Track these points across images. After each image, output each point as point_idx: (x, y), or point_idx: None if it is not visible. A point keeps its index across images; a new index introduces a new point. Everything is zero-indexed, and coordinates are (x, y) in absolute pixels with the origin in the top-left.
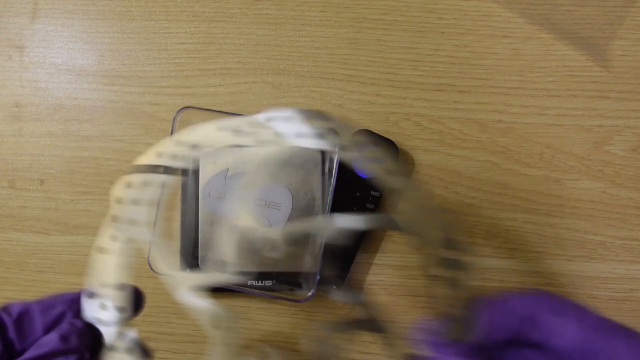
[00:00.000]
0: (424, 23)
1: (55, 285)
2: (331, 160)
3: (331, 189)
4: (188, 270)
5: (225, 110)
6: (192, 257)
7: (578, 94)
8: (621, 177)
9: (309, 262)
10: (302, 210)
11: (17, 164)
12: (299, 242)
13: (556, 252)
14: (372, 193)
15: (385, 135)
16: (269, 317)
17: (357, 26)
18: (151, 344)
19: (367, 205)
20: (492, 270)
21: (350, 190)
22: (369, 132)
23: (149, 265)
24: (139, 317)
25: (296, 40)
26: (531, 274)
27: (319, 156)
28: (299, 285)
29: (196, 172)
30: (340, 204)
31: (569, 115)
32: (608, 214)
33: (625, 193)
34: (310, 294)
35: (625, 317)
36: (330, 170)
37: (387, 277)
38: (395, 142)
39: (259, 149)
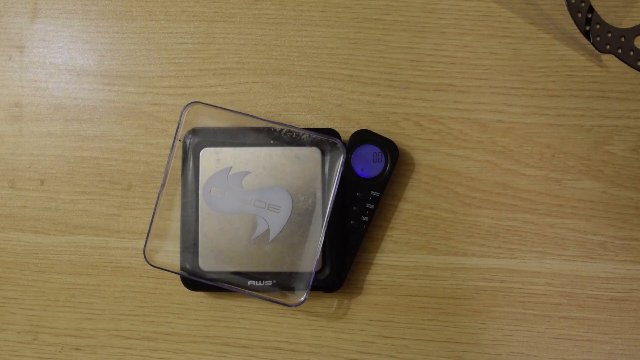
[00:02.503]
0: (424, 23)
1: (55, 285)
2: (332, 163)
3: (332, 195)
4: (188, 266)
5: (231, 109)
6: (192, 254)
7: (578, 94)
8: (621, 177)
9: (306, 263)
10: (302, 214)
11: (17, 164)
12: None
13: (556, 252)
14: (372, 193)
15: (385, 135)
16: (269, 317)
17: (357, 26)
18: (151, 344)
19: (367, 205)
20: (492, 270)
21: (350, 190)
22: (369, 132)
23: (145, 257)
24: (140, 317)
25: (296, 40)
26: (531, 274)
27: (319, 158)
28: (292, 288)
29: (196, 168)
30: (340, 204)
31: (569, 115)
32: (608, 214)
33: (625, 193)
34: (302, 298)
35: (625, 317)
36: (332, 174)
37: (387, 277)
38: (395, 142)
39: (263, 149)
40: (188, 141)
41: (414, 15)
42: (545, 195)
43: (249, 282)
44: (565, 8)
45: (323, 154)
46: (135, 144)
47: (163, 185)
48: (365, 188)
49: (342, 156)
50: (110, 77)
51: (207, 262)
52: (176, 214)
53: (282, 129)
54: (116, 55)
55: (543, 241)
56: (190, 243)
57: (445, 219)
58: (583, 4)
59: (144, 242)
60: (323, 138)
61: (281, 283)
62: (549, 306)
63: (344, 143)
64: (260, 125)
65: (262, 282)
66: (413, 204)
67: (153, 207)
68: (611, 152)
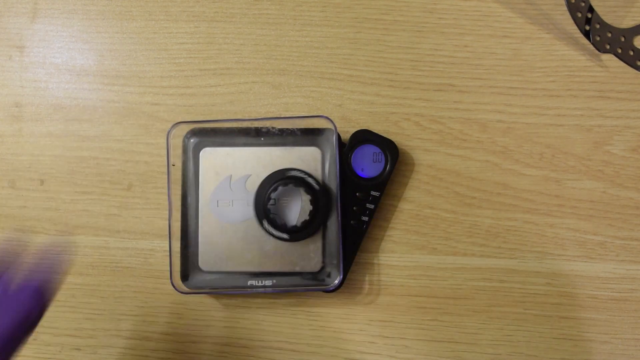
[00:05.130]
0: (424, 23)
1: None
2: (332, 156)
3: (337, 171)
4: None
5: (219, 119)
6: (197, 269)
7: (578, 94)
8: (621, 177)
9: (330, 245)
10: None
11: (17, 164)
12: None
13: (556, 252)
14: (372, 193)
15: (385, 135)
16: (269, 317)
17: (357, 26)
18: (151, 344)
19: (367, 205)
20: (492, 270)
21: (350, 190)
22: (369, 132)
23: (172, 284)
24: (140, 317)
25: (296, 40)
26: (531, 274)
27: (319, 157)
28: (324, 274)
29: (196, 168)
30: (340, 204)
31: (569, 115)
32: (608, 214)
33: (625, 193)
34: (337, 281)
35: (625, 317)
36: (332, 161)
37: (387, 277)
38: (395, 142)
39: (262, 149)
40: (188, 141)
41: (414, 15)
42: (545, 195)
43: (277, 281)
44: (565, 8)
45: (323, 153)
46: (135, 144)
47: (170, 211)
48: (365, 188)
49: (334, 134)
50: (110, 77)
51: (230, 267)
52: (177, 214)
53: (280, 129)
54: (116, 55)
55: (543, 241)
56: (193, 244)
57: (445, 219)
58: (583, 4)
59: (144, 242)
60: (312, 116)
61: (312, 272)
62: (549, 306)
63: (333, 122)
64: (248, 125)
65: (292, 277)
66: (413, 204)
67: (153, 207)
68: (611, 152)
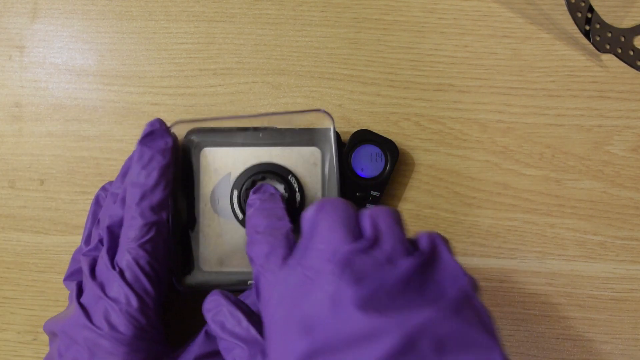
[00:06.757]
0: (424, 23)
1: (55, 285)
2: (332, 159)
3: (336, 167)
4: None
5: (218, 116)
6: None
7: (578, 94)
8: (621, 177)
9: None
10: (314, 197)
11: (17, 164)
12: None
13: (556, 252)
14: (372, 193)
15: (385, 135)
16: None
17: (357, 26)
18: None
19: (367, 205)
20: (492, 270)
21: (350, 190)
22: (369, 132)
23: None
24: None
25: (296, 40)
26: (531, 274)
27: (319, 156)
28: None
29: (197, 168)
30: None
31: (569, 115)
32: (608, 214)
33: (625, 193)
34: None
35: (625, 317)
36: (332, 161)
37: None
38: (395, 142)
39: (262, 149)
40: (188, 141)
41: (414, 15)
42: (545, 195)
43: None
44: (565, 8)
45: (323, 153)
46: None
47: (170, 210)
48: (365, 188)
49: (331, 127)
50: (110, 77)
51: (228, 265)
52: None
53: (280, 128)
54: (116, 55)
55: (543, 241)
56: (193, 242)
57: (445, 219)
58: (583, 4)
59: None
60: (309, 111)
61: None
62: (549, 306)
63: (330, 115)
64: (247, 123)
65: None
66: (413, 204)
67: None
68: (611, 152)
